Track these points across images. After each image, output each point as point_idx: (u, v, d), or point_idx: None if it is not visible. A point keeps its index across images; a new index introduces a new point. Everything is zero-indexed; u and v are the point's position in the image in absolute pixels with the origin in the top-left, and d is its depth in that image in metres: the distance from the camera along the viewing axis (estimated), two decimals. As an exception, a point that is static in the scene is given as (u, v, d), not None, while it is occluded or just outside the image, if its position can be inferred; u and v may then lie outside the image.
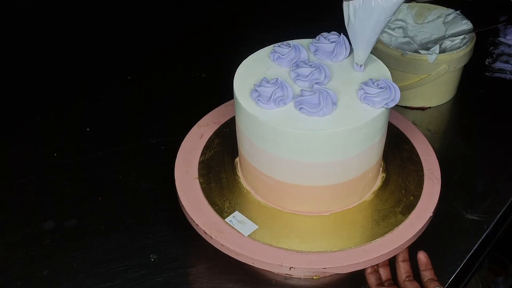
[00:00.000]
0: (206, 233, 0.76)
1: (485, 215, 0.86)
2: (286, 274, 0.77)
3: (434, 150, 0.87)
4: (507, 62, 1.14)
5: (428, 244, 0.80)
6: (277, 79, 0.73)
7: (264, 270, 0.78)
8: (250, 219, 0.78)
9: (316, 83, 0.74)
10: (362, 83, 0.73)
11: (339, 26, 0.83)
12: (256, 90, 0.73)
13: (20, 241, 0.84)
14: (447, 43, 1.01)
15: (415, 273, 0.75)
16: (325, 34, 0.80)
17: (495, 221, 0.85)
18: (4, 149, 0.99)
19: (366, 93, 0.72)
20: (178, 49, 1.22)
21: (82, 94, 1.11)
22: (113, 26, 1.16)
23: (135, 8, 1.20)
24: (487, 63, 1.14)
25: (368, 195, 0.81)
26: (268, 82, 0.73)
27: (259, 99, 0.72)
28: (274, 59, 0.78)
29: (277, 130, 0.70)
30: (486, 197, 0.88)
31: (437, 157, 0.86)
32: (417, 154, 0.87)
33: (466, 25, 1.04)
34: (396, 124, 0.91)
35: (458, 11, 1.07)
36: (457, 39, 1.01)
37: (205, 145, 0.88)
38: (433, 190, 0.81)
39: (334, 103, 0.71)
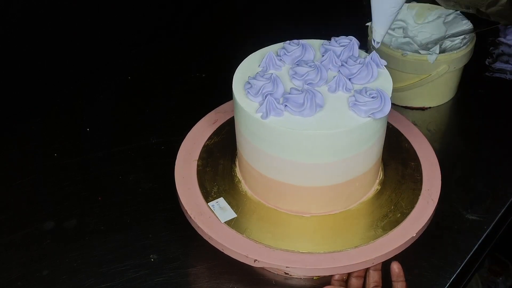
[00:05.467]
0: (187, 212, 0.78)
1: (485, 215, 0.86)
2: (286, 274, 0.77)
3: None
4: (507, 62, 1.14)
5: (428, 244, 0.80)
6: (271, 74, 0.74)
7: (264, 270, 0.78)
8: (233, 207, 0.79)
9: (309, 83, 0.74)
10: (355, 90, 0.73)
11: (341, 27, 0.83)
12: (249, 82, 0.74)
13: (20, 241, 0.84)
14: (447, 43, 1.01)
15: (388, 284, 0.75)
16: (338, 37, 0.80)
17: (495, 221, 0.85)
18: (4, 149, 0.99)
19: (356, 100, 0.71)
20: (178, 49, 1.22)
21: (82, 94, 1.11)
22: (113, 26, 1.16)
23: (135, 8, 1.20)
24: (487, 63, 1.14)
25: (361, 200, 0.81)
26: (262, 76, 0.74)
27: (248, 91, 0.73)
28: (280, 55, 0.78)
29: (265, 126, 0.71)
30: (486, 197, 0.88)
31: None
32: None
33: (466, 25, 1.04)
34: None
35: (458, 11, 1.06)
36: (457, 39, 1.01)
37: (215, 131, 0.90)
38: (432, 196, 0.81)
39: (319, 106, 0.71)
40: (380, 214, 0.78)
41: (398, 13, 0.77)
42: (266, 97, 0.71)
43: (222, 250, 0.75)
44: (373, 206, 0.80)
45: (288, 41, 0.80)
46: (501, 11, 0.76)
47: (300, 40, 0.80)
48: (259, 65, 0.78)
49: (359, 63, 0.75)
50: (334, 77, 0.74)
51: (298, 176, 0.75)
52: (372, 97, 0.71)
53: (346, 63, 0.76)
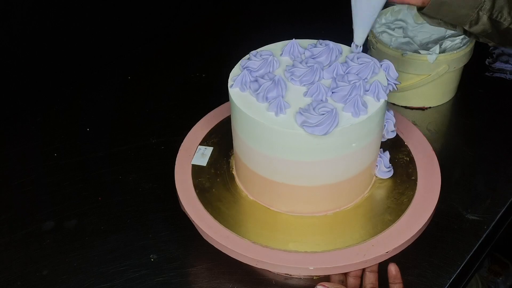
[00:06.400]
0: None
1: (485, 215, 0.86)
2: (286, 274, 0.77)
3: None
4: (507, 62, 1.14)
5: (428, 244, 0.80)
6: (269, 57, 0.76)
7: (264, 270, 0.78)
8: (210, 158, 0.84)
9: (291, 78, 0.74)
10: (316, 100, 0.72)
11: (339, 27, 0.83)
12: (249, 56, 0.77)
13: (20, 241, 0.84)
14: (447, 43, 1.01)
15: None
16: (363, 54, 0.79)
17: (495, 221, 0.85)
18: (4, 149, 0.99)
19: (302, 108, 0.70)
20: (178, 49, 1.22)
21: (82, 94, 1.11)
22: (113, 26, 1.16)
23: (135, 8, 1.20)
24: (487, 63, 1.14)
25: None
26: (261, 56, 0.76)
27: (241, 62, 0.77)
28: (308, 48, 0.79)
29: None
30: (486, 197, 0.88)
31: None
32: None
33: (466, 25, 1.04)
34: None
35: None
36: (457, 39, 1.01)
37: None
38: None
39: (273, 97, 0.71)
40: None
41: (377, 17, 0.77)
42: (244, 70, 0.74)
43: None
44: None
45: (326, 40, 0.80)
46: (486, 30, 0.76)
47: (331, 43, 0.79)
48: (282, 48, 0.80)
49: (351, 83, 0.72)
50: (316, 83, 0.74)
51: (245, 155, 0.77)
52: (321, 114, 0.69)
53: (342, 78, 0.74)
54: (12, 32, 1.01)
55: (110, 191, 0.91)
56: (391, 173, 0.83)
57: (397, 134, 0.90)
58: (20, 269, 0.80)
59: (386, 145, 0.84)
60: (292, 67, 0.76)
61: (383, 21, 1.07)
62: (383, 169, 0.82)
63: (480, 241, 0.82)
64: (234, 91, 0.74)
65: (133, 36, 1.21)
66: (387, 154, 0.82)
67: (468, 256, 0.81)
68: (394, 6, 1.09)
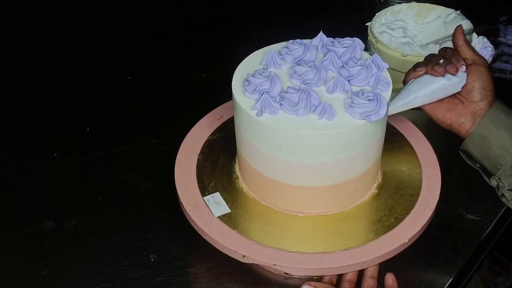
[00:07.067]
0: (183, 205, 0.79)
1: (485, 215, 0.86)
2: (286, 274, 0.77)
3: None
4: (507, 62, 1.14)
5: (428, 244, 0.80)
6: (270, 72, 0.74)
7: (264, 270, 0.78)
8: (228, 203, 0.80)
9: (307, 83, 0.73)
10: (353, 92, 0.73)
11: (339, 27, 0.83)
12: (247, 80, 0.74)
13: (20, 241, 0.84)
14: (447, 43, 1.01)
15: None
16: (341, 39, 0.80)
17: (495, 221, 0.85)
18: (4, 149, 0.99)
19: (352, 102, 0.71)
20: (178, 49, 1.22)
21: (82, 94, 1.11)
22: (113, 26, 1.16)
23: (135, 8, 1.20)
24: (487, 63, 1.14)
25: (357, 203, 0.81)
26: (261, 74, 0.74)
27: (246, 88, 0.73)
28: (282, 54, 0.79)
29: (258, 124, 0.71)
30: (486, 197, 0.88)
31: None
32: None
33: (466, 25, 1.04)
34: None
35: (458, 11, 1.07)
36: (457, 39, 1.01)
37: (219, 126, 0.91)
38: (432, 196, 0.81)
39: (314, 106, 0.71)
40: (374, 218, 0.78)
41: (414, 105, 0.81)
42: (262, 94, 0.71)
43: (213, 244, 0.76)
44: (368, 210, 0.80)
45: (291, 40, 0.80)
46: None
47: (303, 40, 0.80)
48: (261, 63, 0.78)
49: (359, 65, 0.75)
50: (333, 78, 0.74)
51: (291, 175, 0.75)
52: (369, 100, 0.71)
53: (346, 64, 0.76)
54: (12, 32, 1.01)
55: (110, 191, 0.91)
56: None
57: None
58: (20, 269, 0.80)
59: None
60: (299, 74, 0.75)
61: (383, 21, 1.07)
62: None
63: (480, 241, 0.83)
64: (266, 118, 0.71)
65: (133, 36, 1.21)
66: None
67: (468, 256, 0.81)
68: (394, 6, 1.09)
